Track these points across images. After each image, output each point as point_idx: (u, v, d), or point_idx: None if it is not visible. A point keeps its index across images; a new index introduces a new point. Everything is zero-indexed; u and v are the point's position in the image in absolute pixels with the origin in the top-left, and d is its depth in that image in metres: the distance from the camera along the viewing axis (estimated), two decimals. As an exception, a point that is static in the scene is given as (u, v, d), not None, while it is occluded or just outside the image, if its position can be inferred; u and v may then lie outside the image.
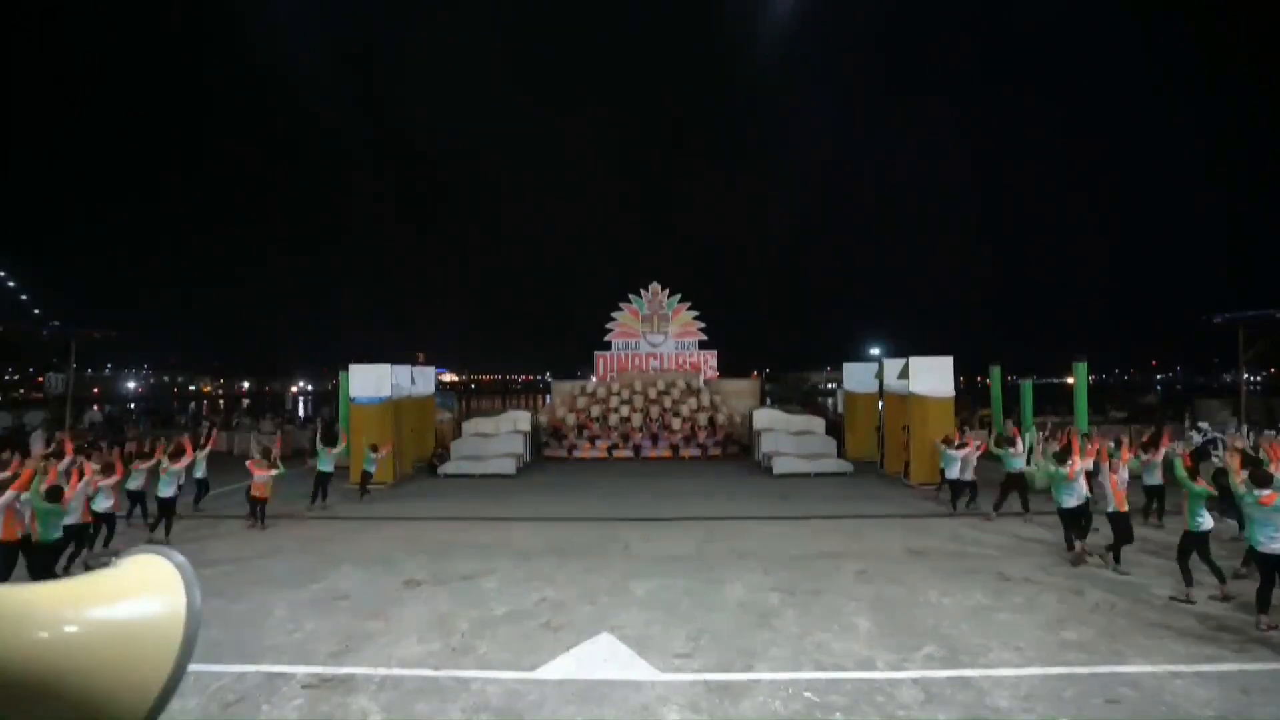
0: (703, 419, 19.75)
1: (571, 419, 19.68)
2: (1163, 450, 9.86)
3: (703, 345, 23.20)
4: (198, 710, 4.77)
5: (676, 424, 19.42)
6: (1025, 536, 9.52)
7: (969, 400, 28.43)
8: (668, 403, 20.48)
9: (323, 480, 12.14)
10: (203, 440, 12.73)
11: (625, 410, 20.27)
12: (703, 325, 23.25)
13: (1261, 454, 8.42)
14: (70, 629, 0.77)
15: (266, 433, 21.12)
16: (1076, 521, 8.34)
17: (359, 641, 5.95)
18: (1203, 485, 6.83)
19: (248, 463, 10.93)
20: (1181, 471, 6.94)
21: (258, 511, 10.50)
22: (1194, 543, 6.78)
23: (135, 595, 0.85)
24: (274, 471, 10.69)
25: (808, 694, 4.91)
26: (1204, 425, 16.07)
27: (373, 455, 13.21)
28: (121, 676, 0.82)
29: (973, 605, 6.69)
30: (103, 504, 8.79)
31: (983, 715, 4.58)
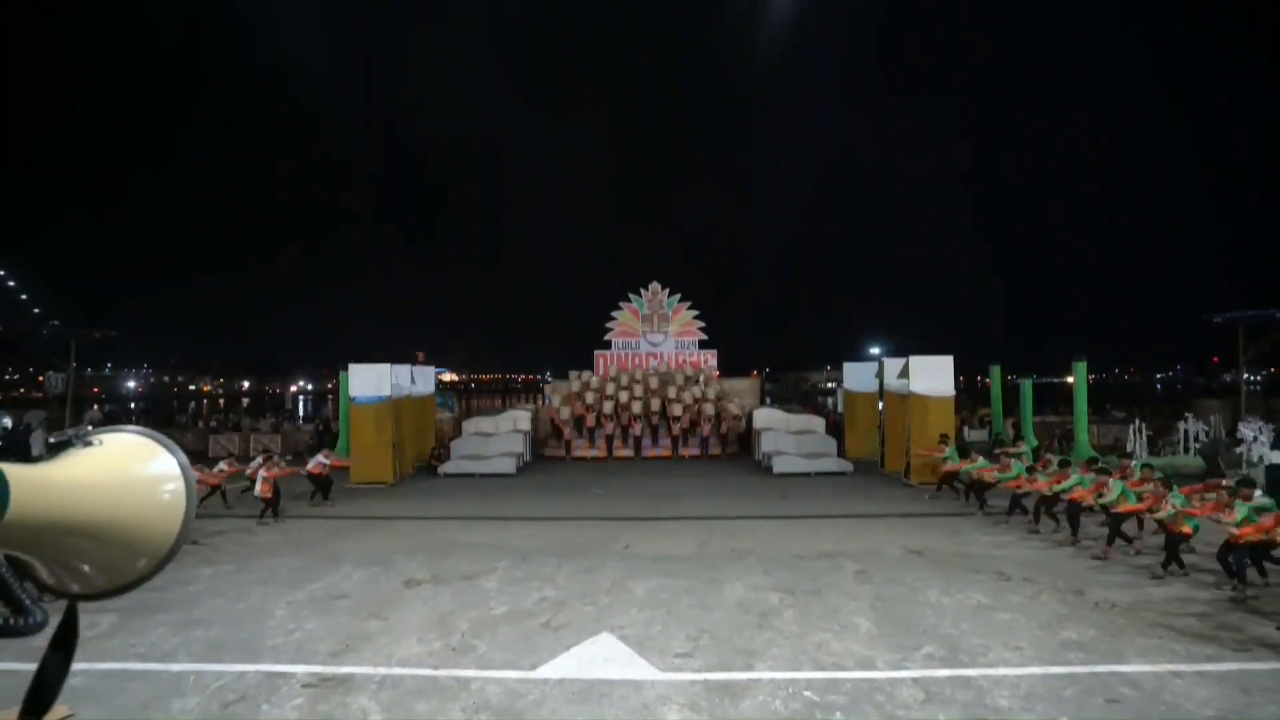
0: (709, 409, 19.66)
1: (566, 411, 19.60)
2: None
3: (703, 345, 23.18)
4: (198, 710, 4.77)
5: (678, 410, 19.27)
6: (1025, 536, 9.52)
7: (969, 400, 28.47)
8: (671, 392, 20.30)
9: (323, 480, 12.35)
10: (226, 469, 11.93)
11: (624, 397, 20.20)
12: (703, 325, 23.24)
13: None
14: (96, 492, 0.95)
15: (265, 433, 21.13)
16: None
17: (359, 641, 5.95)
18: None
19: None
20: None
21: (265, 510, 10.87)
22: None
23: (133, 462, 1.03)
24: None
25: (808, 694, 4.91)
26: (1188, 416, 16.82)
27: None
28: (145, 525, 1.02)
29: (973, 605, 6.69)
30: None
31: (983, 715, 4.58)
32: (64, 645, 1.11)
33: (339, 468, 13.08)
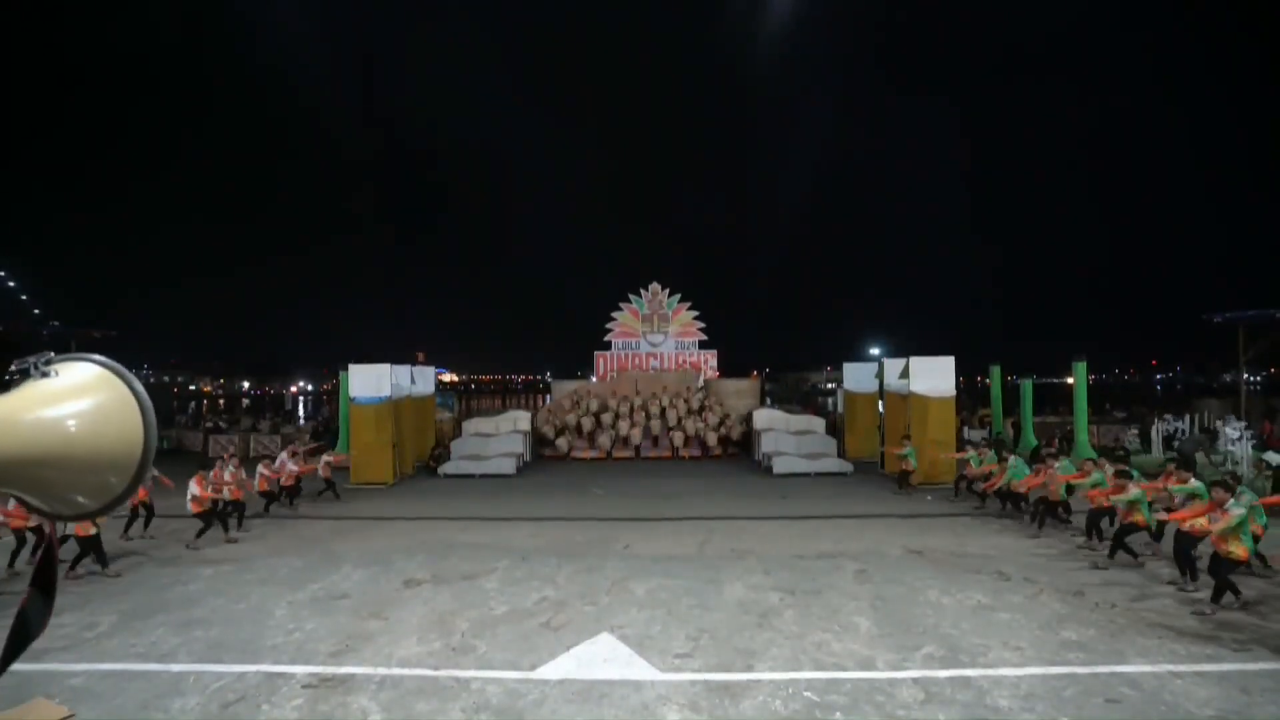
0: (713, 420, 19.59)
1: (572, 419, 19.60)
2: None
3: (703, 345, 23.21)
4: (198, 710, 4.77)
5: (679, 438, 19.17)
6: (1025, 537, 9.52)
7: (969, 400, 28.49)
8: (672, 418, 20.05)
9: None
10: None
11: (624, 409, 20.20)
12: (703, 325, 23.26)
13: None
14: (45, 423, 0.98)
15: (265, 433, 21.11)
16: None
17: (359, 641, 5.95)
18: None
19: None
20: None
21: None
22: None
23: (88, 390, 1.06)
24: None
25: (808, 694, 4.91)
26: (1168, 417, 17.65)
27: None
28: (106, 450, 1.05)
29: (973, 605, 6.69)
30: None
31: (983, 715, 4.58)
32: (44, 581, 1.16)
33: (305, 475, 12.49)
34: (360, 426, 14.88)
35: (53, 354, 1.08)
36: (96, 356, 1.11)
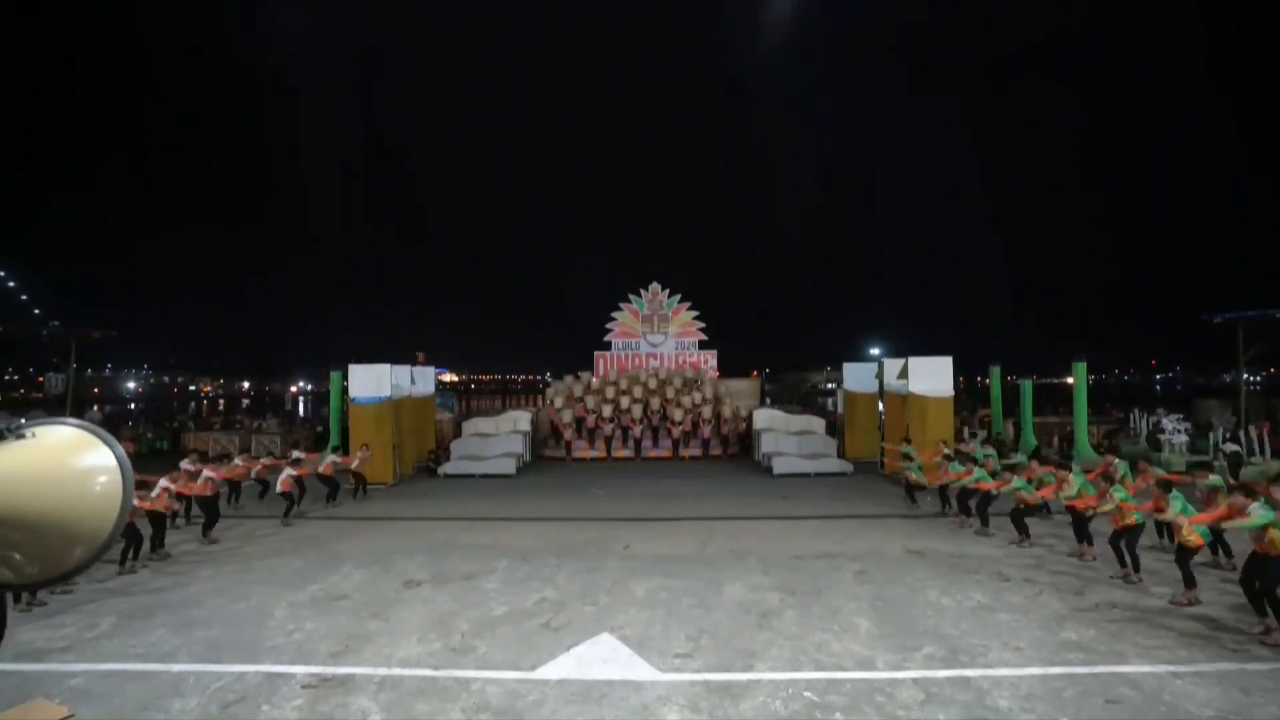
0: (707, 411, 19.66)
1: (569, 414, 19.60)
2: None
3: (703, 345, 23.16)
4: (198, 710, 4.77)
5: (679, 414, 19.27)
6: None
7: (969, 400, 28.50)
8: (670, 392, 20.32)
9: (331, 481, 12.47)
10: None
11: (625, 401, 20.22)
12: (703, 325, 23.23)
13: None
14: (20, 485, 0.97)
15: (269, 433, 21.08)
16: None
17: (359, 641, 5.95)
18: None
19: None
20: None
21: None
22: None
23: (67, 454, 1.06)
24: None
25: (808, 694, 4.91)
26: (1134, 411, 19.15)
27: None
28: (80, 516, 1.04)
29: (973, 605, 6.69)
30: None
31: (983, 715, 4.58)
32: None
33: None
34: (360, 427, 14.88)
35: (24, 420, 1.09)
36: (76, 420, 1.12)
